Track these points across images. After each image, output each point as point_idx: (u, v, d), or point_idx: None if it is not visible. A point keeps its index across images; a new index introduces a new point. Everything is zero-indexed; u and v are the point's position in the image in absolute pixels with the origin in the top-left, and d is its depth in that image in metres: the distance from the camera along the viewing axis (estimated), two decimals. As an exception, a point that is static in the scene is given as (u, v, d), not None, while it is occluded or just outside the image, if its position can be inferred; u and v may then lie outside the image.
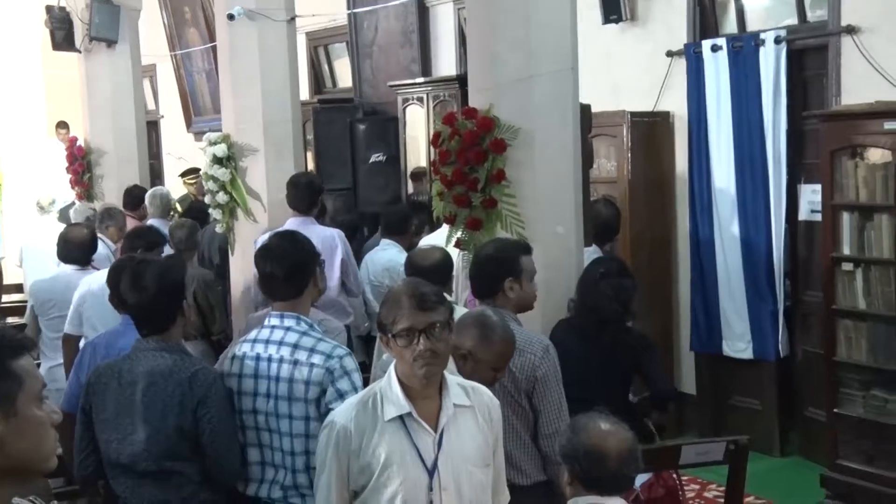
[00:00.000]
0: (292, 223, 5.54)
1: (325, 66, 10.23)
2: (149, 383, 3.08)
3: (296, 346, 3.10)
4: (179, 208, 8.49)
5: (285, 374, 3.07)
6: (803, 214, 6.11)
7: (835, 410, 5.45)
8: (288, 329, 3.15)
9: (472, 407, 2.64)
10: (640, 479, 3.89)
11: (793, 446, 6.28)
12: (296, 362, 3.07)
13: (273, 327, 3.18)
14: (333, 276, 5.58)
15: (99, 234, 6.51)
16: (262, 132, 6.24)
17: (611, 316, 4.06)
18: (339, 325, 3.74)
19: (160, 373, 3.09)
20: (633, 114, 6.69)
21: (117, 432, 3.11)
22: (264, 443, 3.13)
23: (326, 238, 5.62)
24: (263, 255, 3.29)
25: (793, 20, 6.27)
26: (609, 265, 4.26)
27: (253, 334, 3.24)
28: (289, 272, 3.20)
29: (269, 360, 3.12)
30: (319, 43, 10.08)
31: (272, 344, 3.14)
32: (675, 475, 4.23)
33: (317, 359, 3.05)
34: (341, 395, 2.96)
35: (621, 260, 4.54)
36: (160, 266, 3.23)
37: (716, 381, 6.63)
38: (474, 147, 4.39)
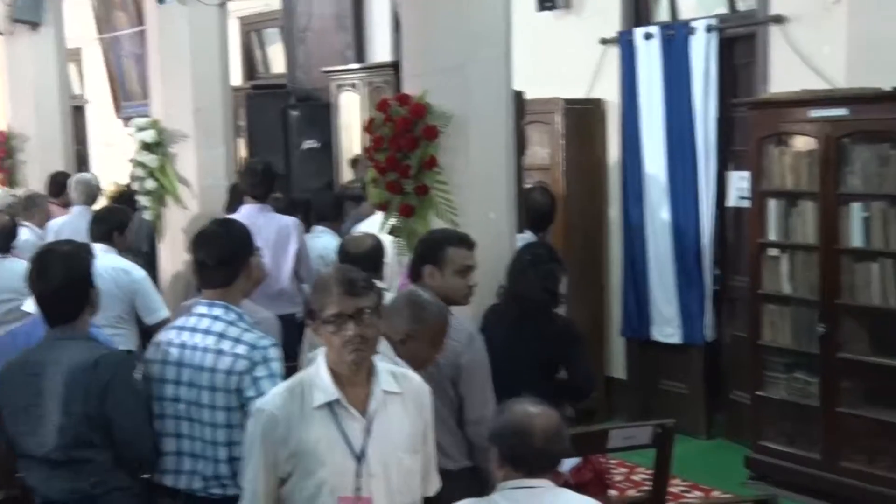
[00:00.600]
0: (249, 210, 5.48)
1: (258, 52, 10.12)
2: (55, 373, 3.04)
3: (221, 336, 3.07)
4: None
5: (209, 363, 3.04)
6: (732, 201, 6.22)
7: (759, 393, 5.58)
8: (215, 318, 3.11)
9: (401, 394, 2.65)
10: (569, 463, 3.93)
11: (718, 429, 6.41)
12: (220, 352, 3.04)
13: (200, 315, 3.14)
14: (287, 265, 5.56)
15: (24, 222, 6.37)
16: (192, 118, 6.15)
17: (538, 303, 4.09)
18: (269, 316, 3.69)
19: (66, 362, 3.04)
20: (567, 101, 6.74)
21: (27, 424, 3.06)
22: (183, 433, 3.10)
23: (282, 227, 5.58)
24: (196, 241, 3.26)
25: (723, 9, 6.36)
26: (538, 251, 4.29)
27: (179, 321, 3.20)
28: (220, 260, 3.17)
29: (194, 348, 3.08)
30: (252, 28, 9.95)
31: (198, 332, 3.11)
32: (603, 459, 4.29)
33: (241, 349, 3.02)
34: (262, 392, 2.91)
35: (550, 246, 4.56)
36: (65, 255, 3.16)
37: (645, 366, 6.73)
38: (407, 134, 4.38)
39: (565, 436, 2.67)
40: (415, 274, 3.79)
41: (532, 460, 2.62)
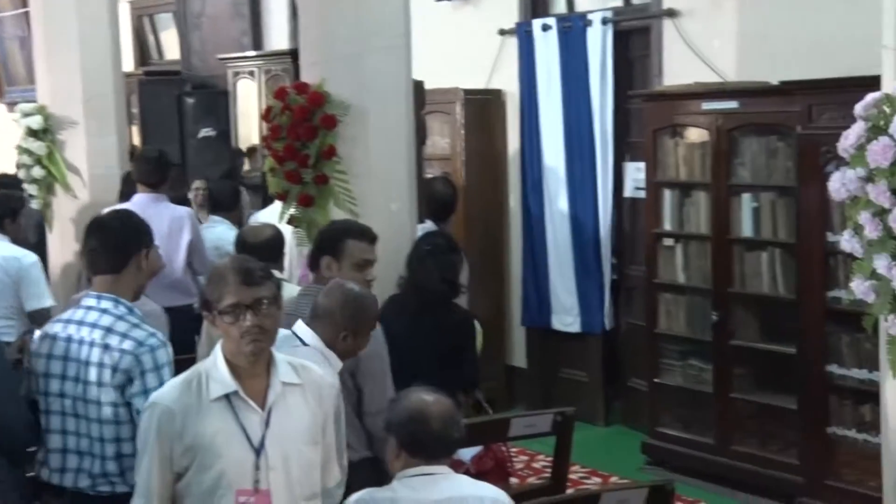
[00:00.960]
0: (142, 199, 5.32)
1: (151, 37, 9.86)
2: None
3: (109, 330, 2.97)
4: None
5: (95, 358, 2.94)
6: (628, 191, 6.32)
7: (655, 380, 5.69)
8: (104, 311, 3.01)
9: (301, 385, 2.61)
10: (470, 452, 3.94)
11: (616, 415, 6.52)
12: (106, 346, 2.94)
13: (88, 308, 3.04)
14: (180, 255, 5.44)
15: None
16: (81, 104, 5.96)
17: (437, 294, 4.08)
18: (155, 308, 3.59)
19: None
20: (467, 91, 6.76)
21: None
22: (69, 429, 2.99)
23: (175, 218, 5.44)
24: (88, 228, 3.17)
25: (618, 2, 6.46)
26: (437, 241, 4.28)
27: (67, 314, 3.09)
28: (110, 246, 3.07)
29: (81, 342, 2.98)
30: (144, 12, 9.70)
31: (85, 325, 3.00)
32: (504, 447, 4.31)
33: (128, 345, 2.93)
34: (146, 391, 2.84)
35: (450, 235, 4.56)
36: None
37: (545, 355, 6.80)
38: (305, 123, 4.33)
39: (461, 422, 2.70)
40: (313, 264, 3.75)
41: (430, 446, 2.64)
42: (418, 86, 4.84)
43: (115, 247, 3.08)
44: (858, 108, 2.72)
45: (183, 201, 5.92)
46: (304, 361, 2.71)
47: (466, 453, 3.91)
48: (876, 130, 2.67)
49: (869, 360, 4.50)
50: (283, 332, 2.95)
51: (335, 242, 3.69)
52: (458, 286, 4.17)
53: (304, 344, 3.13)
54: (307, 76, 4.52)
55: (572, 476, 5.30)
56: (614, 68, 6.23)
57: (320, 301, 3.20)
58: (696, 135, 5.54)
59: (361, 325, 3.18)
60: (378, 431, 3.39)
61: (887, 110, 2.65)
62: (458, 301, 4.44)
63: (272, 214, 5.11)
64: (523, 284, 6.77)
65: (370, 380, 3.42)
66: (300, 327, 3.20)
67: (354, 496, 2.70)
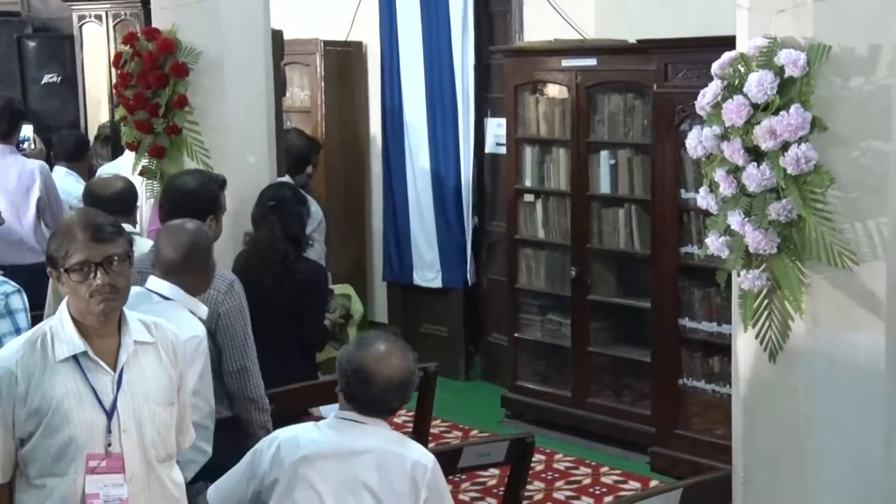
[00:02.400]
0: None
1: (-12, -23, 9.26)
2: None
3: None
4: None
5: None
6: (489, 147, 6.34)
7: (515, 335, 5.76)
8: None
9: (154, 343, 2.50)
10: (333, 408, 3.89)
11: (477, 370, 6.59)
12: None
13: None
14: (29, 211, 5.16)
15: None
16: None
17: (278, 251, 3.99)
18: None
19: None
20: (327, 43, 6.62)
21: None
22: None
23: (24, 172, 5.15)
24: None
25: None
26: (282, 193, 4.16)
27: None
28: None
29: None
30: (-19, -50, 9.09)
31: None
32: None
33: None
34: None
35: (295, 188, 4.44)
36: None
37: (407, 311, 6.80)
38: (155, 70, 4.17)
39: (407, 389, 2.69)
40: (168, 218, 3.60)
41: (364, 404, 2.65)
42: (276, 35, 4.70)
43: None
44: (715, 67, 2.76)
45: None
46: (158, 319, 2.59)
47: (328, 410, 3.86)
48: (731, 89, 2.71)
49: (719, 314, 4.67)
50: (136, 289, 2.83)
51: (215, 201, 3.58)
52: (303, 241, 4.08)
53: (166, 299, 3.02)
54: (158, 21, 4.36)
55: (434, 431, 5.32)
56: (476, 23, 6.21)
57: (169, 253, 3.07)
58: (556, 91, 5.58)
59: (197, 260, 3.10)
60: (238, 391, 3.32)
61: (742, 69, 2.70)
62: (317, 256, 4.37)
63: (124, 165, 4.90)
64: (384, 240, 6.73)
65: (231, 338, 3.34)
66: (155, 282, 3.08)
67: (280, 432, 2.69)
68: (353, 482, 2.59)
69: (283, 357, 3.89)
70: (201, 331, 3.01)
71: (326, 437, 2.64)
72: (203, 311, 3.05)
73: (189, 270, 3.07)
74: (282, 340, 3.89)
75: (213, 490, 2.75)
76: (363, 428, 2.64)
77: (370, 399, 2.63)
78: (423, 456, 2.69)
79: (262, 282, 3.89)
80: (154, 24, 4.38)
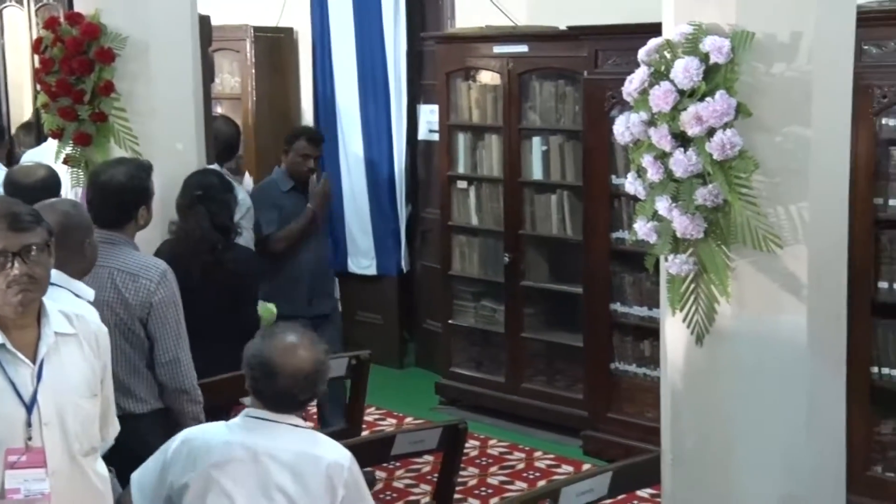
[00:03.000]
0: None
1: None
2: None
3: None
4: None
5: None
6: (422, 134, 6.33)
7: (449, 321, 5.77)
8: None
9: (76, 335, 2.44)
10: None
11: (411, 357, 6.59)
12: None
13: None
14: None
15: None
16: None
17: (206, 241, 3.92)
18: None
19: None
20: (257, 29, 6.55)
21: None
22: None
23: None
24: None
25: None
26: (208, 182, 4.07)
27: None
28: None
29: None
30: None
31: None
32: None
33: None
34: None
35: (222, 175, 4.37)
36: None
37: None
38: (79, 56, 4.07)
39: (317, 382, 2.58)
40: (116, 220, 3.43)
41: (270, 399, 2.56)
42: (204, 21, 4.62)
43: None
44: (641, 54, 2.78)
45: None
46: (80, 311, 2.53)
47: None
48: (658, 75, 2.74)
49: (649, 298, 4.73)
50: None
51: (145, 190, 3.48)
52: (231, 230, 4.02)
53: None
54: (81, 6, 4.26)
55: (368, 418, 5.32)
56: (407, 9, 6.18)
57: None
58: (488, 78, 5.59)
59: (69, 237, 2.91)
60: (170, 382, 3.26)
61: (668, 56, 2.73)
62: (246, 244, 4.32)
63: (47, 153, 4.78)
64: (318, 228, 6.68)
65: (163, 328, 3.27)
66: None
67: (189, 433, 2.61)
68: (267, 485, 2.52)
69: (215, 348, 3.83)
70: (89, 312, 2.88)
71: (238, 439, 2.56)
72: (88, 292, 2.90)
73: (62, 248, 2.93)
74: (214, 331, 3.82)
75: (136, 487, 2.69)
76: (275, 427, 2.55)
77: (277, 393, 2.54)
78: (339, 455, 2.60)
79: (189, 273, 3.83)
80: (77, 9, 4.28)
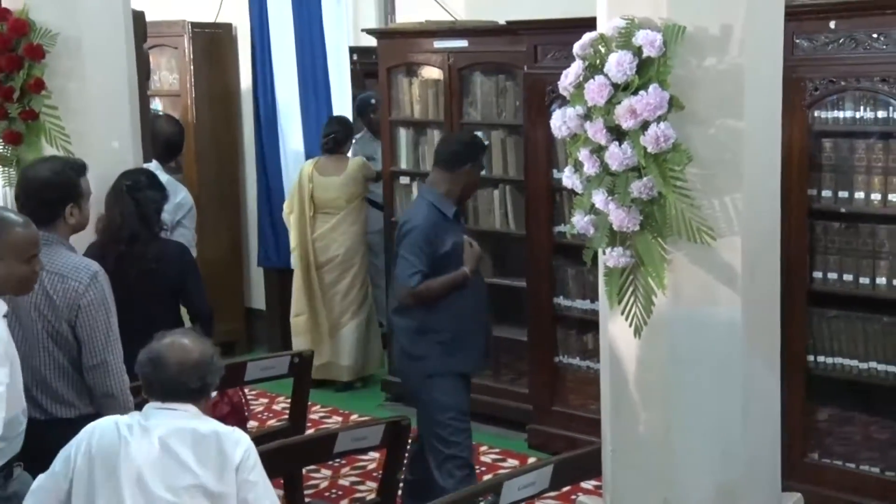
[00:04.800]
0: None
1: None
2: None
3: None
4: None
5: None
6: (364, 130, 6.30)
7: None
8: None
9: None
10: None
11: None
12: None
13: None
14: None
15: None
16: None
17: (125, 229, 3.91)
18: None
19: None
20: (194, 24, 6.46)
21: None
22: None
23: None
24: None
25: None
26: (136, 178, 4.07)
27: None
28: None
29: None
30: None
31: None
32: (241, 391, 4.22)
33: None
34: None
35: (151, 172, 4.32)
36: None
37: (284, 296, 6.68)
38: (7, 53, 3.99)
39: (206, 369, 2.66)
40: (44, 218, 3.36)
41: (159, 391, 2.63)
42: (138, 16, 4.56)
43: None
44: (576, 48, 2.78)
45: None
46: None
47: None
48: (593, 69, 2.74)
49: (591, 292, 4.75)
50: None
51: (73, 187, 3.39)
52: (155, 223, 4.02)
53: None
54: (9, 2, 4.17)
55: (313, 416, 5.30)
56: (348, 3, 6.14)
57: None
58: (429, 73, 5.57)
59: (3, 249, 2.85)
60: (97, 386, 3.19)
61: (602, 50, 2.73)
62: (187, 243, 4.28)
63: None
64: (259, 224, 6.62)
65: (92, 331, 3.20)
66: None
67: (93, 427, 2.64)
68: (167, 459, 2.57)
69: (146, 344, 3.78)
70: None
71: (135, 421, 2.62)
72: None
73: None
74: (147, 324, 3.77)
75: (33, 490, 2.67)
76: (170, 412, 2.62)
77: (166, 381, 2.61)
78: (235, 432, 2.66)
79: (124, 266, 3.79)
80: (4, 5, 4.18)
